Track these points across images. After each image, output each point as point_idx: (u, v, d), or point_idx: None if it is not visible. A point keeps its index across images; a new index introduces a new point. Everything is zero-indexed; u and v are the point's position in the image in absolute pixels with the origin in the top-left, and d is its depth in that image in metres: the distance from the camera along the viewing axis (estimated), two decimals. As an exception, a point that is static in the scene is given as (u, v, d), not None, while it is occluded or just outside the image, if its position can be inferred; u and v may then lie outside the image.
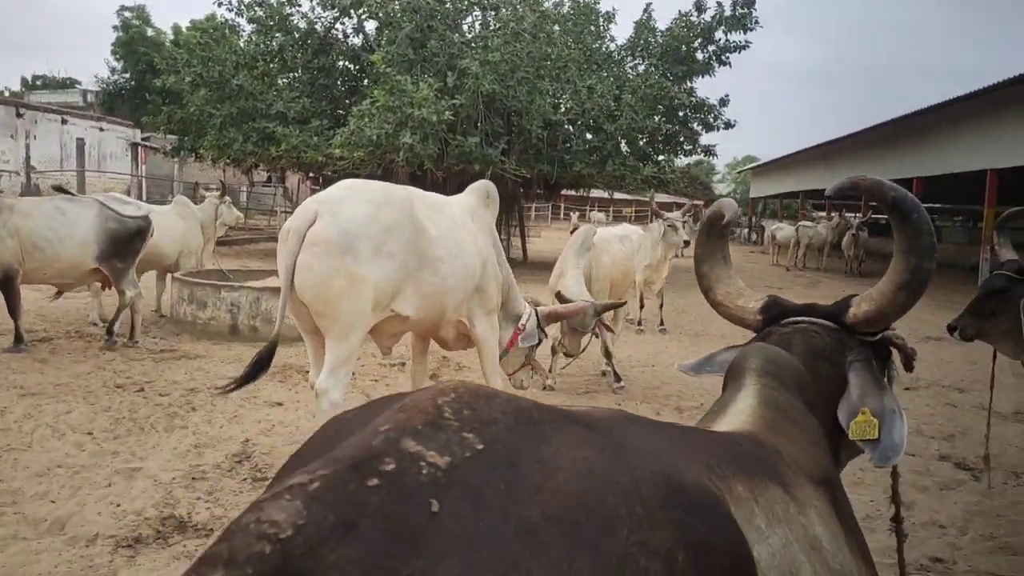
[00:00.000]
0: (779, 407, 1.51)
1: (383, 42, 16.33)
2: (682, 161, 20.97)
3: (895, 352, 1.91)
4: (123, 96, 39.93)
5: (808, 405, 1.61)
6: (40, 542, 3.25)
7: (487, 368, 4.85)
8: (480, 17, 18.53)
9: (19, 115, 28.69)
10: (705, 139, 19.96)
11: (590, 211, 47.02)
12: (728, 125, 19.70)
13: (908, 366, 1.95)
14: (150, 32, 40.46)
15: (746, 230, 39.64)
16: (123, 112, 37.49)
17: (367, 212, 3.84)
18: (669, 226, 9.24)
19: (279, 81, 18.31)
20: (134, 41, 39.25)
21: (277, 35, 17.39)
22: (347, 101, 17.85)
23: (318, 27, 17.79)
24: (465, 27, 18.02)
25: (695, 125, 19.72)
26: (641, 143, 18.60)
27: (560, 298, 5.83)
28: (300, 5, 18.07)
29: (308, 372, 6.56)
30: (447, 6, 16.66)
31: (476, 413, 0.87)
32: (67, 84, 44.72)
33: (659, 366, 8.01)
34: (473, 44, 16.27)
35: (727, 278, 2.12)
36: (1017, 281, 3.81)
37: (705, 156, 20.14)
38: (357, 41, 18.76)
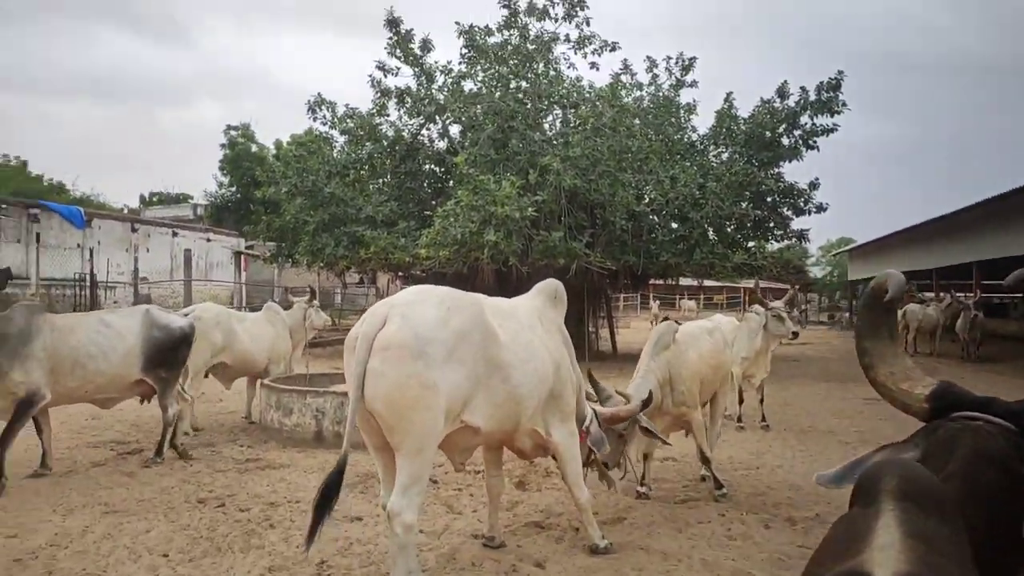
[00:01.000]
0: (929, 538, 1.27)
1: (466, 144, 16.76)
2: (774, 246, 20.30)
3: None
4: (229, 208, 42.52)
5: (952, 526, 1.34)
6: None
7: (570, 479, 4.57)
8: (560, 115, 18.86)
9: (134, 230, 30.84)
10: (797, 223, 19.33)
11: (679, 300, 46.32)
12: (820, 208, 19.07)
13: None
14: (254, 148, 43.27)
15: (847, 314, 38.05)
16: (229, 223, 39.79)
17: (438, 315, 3.68)
18: (774, 316, 8.74)
19: (369, 187, 18.99)
20: (239, 157, 42.02)
21: (367, 144, 18.15)
22: (433, 203, 18.30)
23: (405, 134, 18.49)
24: (546, 126, 18.35)
25: (785, 210, 19.19)
26: (729, 230, 18.19)
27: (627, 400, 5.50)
28: (388, 115, 18.91)
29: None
30: (528, 107, 17.01)
31: None
32: (180, 199, 48.09)
33: (764, 468, 7.40)
34: (554, 141, 16.50)
35: (892, 357, 1.87)
36: None
37: (798, 241, 19.43)
38: (442, 145, 19.38)
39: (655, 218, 17.53)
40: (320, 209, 17.30)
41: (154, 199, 50.92)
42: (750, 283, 16.47)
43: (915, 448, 1.65)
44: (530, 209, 14.02)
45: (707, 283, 51.34)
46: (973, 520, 1.43)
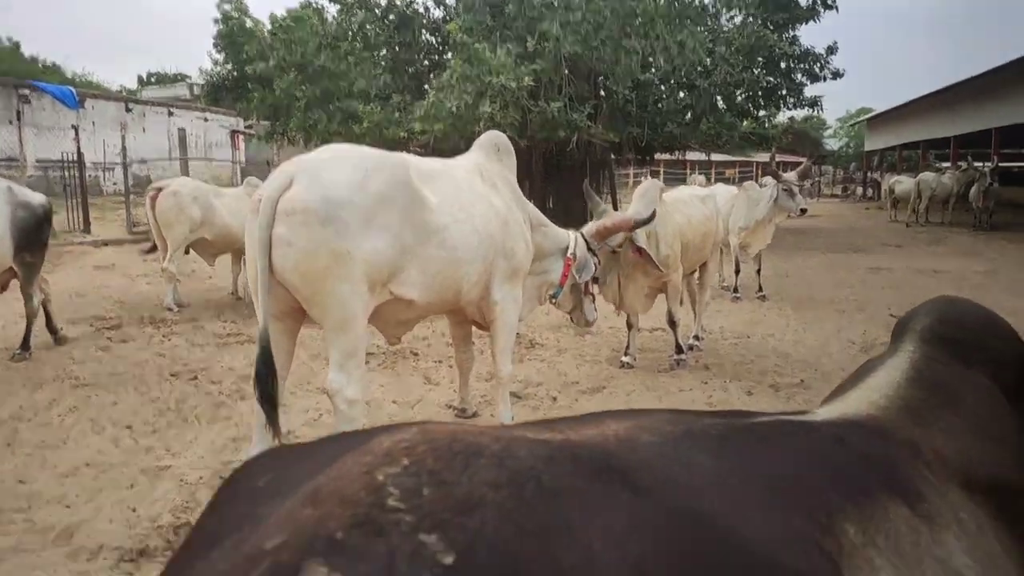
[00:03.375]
0: (937, 385, 1.07)
1: (460, 10, 15.84)
2: (785, 116, 19.49)
3: None
4: (226, 87, 41.19)
5: (990, 386, 1.12)
6: (40, 555, 2.98)
7: (498, 345, 4.34)
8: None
9: (128, 110, 30.12)
10: (811, 91, 18.47)
11: (689, 175, 45.38)
12: (836, 75, 18.14)
13: None
14: (248, 23, 41.50)
15: (860, 186, 37.26)
16: (227, 102, 38.61)
17: (353, 178, 3.25)
18: (784, 189, 8.30)
19: (363, 60, 18.13)
20: (233, 33, 40.27)
21: (358, 13, 17.20)
22: (431, 75, 17.51)
23: (397, 2, 17.48)
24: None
25: (799, 76, 18.28)
26: (739, 99, 17.40)
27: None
28: (381, -20, 17.81)
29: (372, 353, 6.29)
30: (526, -34, 15.92)
31: (445, 491, 0.54)
32: (177, 79, 46.66)
33: (755, 337, 7.25)
34: (554, 5, 15.52)
35: None
36: None
37: (811, 109, 18.62)
38: (439, 13, 18.35)
39: (662, 87, 16.77)
40: (311, 83, 16.59)
41: (151, 80, 49.56)
42: (764, 157, 15.87)
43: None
44: (527, 79, 13.32)
45: (718, 157, 50.36)
46: None
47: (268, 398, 3.23)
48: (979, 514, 0.95)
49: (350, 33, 17.41)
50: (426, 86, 16.24)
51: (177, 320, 7.50)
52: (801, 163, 11.62)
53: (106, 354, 6.07)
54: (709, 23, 17.34)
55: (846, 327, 7.66)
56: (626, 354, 6.12)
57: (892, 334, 1.22)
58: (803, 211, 8.54)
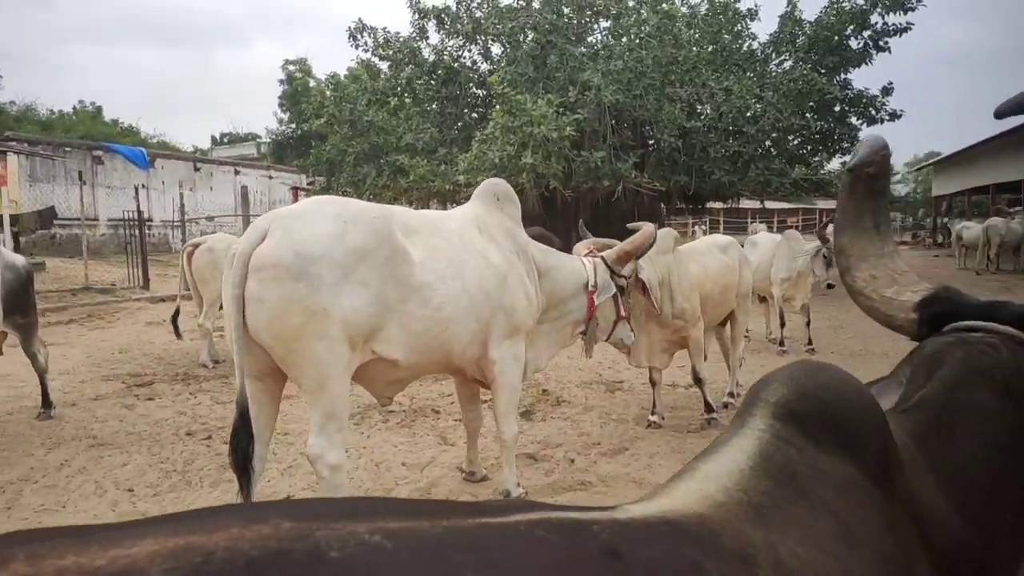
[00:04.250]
0: (788, 475, 0.87)
1: (503, 63, 16.04)
2: (840, 161, 18.94)
3: None
4: (291, 144, 42.73)
5: (860, 470, 0.92)
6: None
7: (500, 407, 4.07)
8: (604, 27, 17.82)
9: (196, 169, 31.37)
10: (868, 132, 17.97)
11: (751, 223, 44.48)
12: (894, 116, 17.65)
13: None
14: (312, 83, 43.12)
15: (929, 233, 36.08)
16: (290, 160, 40.03)
17: (330, 230, 3.11)
18: (824, 256, 7.93)
19: (410, 114, 18.53)
20: (297, 93, 41.98)
21: (406, 68, 17.61)
22: (478, 128, 17.74)
23: (445, 56, 17.85)
24: (590, 39, 17.38)
25: (855, 119, 17.85)
26: (792, 145, 17.04)
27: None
28: (428, 37, 18.24)
29: (382, 409, 6.15)
30: (568, 19, 16.10)
31: None
32: (247, 138, 48.65)
33: (798, 395, 6.85)
34: (596, 55, 15.59)
35: (877, 255, 1.39)
36: None
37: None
38: (485, 67, 18.65)
39: (710, 134, 16.57)
40: (360, 138, 16.97)
41: (224, 139, 51.69)
42: (830, 203, 15.35)
43: (899, 381, 1.22)
44: (569, 128, 13.32)
45: (778, 205, 49.34)
46: (945, 466, 1.01)
47: (242, 465, 3.10)
48: None
49: (399, 88, 17.81)
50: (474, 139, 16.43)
51: (209, 377, 7.53)
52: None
53: (130, 412, 6.10)
54: (758, 69, 17.16)
55: None
56: (653, 413, 5.84)
57: (743, 403, 1.01)
58: (830, 286, 8.16)
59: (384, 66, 19.12)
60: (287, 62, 43.48)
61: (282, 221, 3.13)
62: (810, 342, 8.99)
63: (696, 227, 34.14)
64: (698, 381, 5.77)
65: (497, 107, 14.04)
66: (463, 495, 4.37)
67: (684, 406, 6.41)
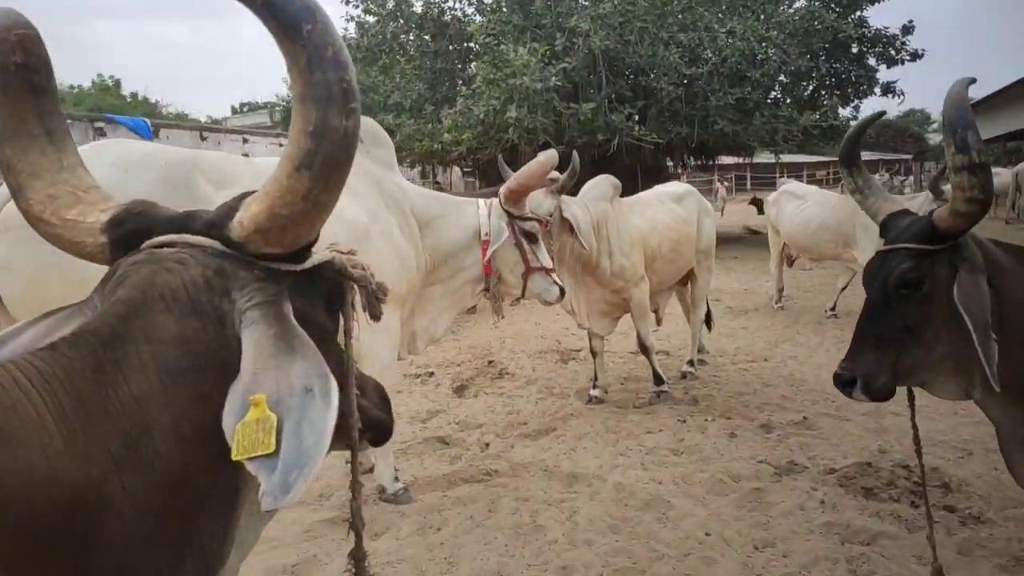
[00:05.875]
0: None
1: (487, 10, 15.14)
2: (855, 107, 17.70)
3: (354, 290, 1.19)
4: (298, 111, 42.05)
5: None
6: None
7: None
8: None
9: (203, 138, 30.95)
10: (888, 75, 16.81)
11: (779, 179, 42.75)
12: (915, 56, 16.48)
13: (372, 311, 1.24)
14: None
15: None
16: (303, 127, 39.33)
17: (105, 182, 2.50)
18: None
19: (400, 71, 17.70)
20: (307, 57, 41.17)
21: (390, 24, 16.77)
22: (468, 85, 16.91)
23: (434, 8, 16.95)
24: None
25: (873, 61, 16.67)
26: (806, 91, 15.97)
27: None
28: (415, -12, 17.34)
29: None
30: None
31: None
32: (266, 107, 48.18)
33: (773, 361, 6.12)
34: (584, 1, 14.59)
35: (55, 172, 1.11)
36: (929, 254, 1.89)
37: (884, 95, 16.88)
38: (479, 19, 17.73)
39: (714, 81, 15.53)
40: (346, 98, 16.25)
41: (243, 108, 51.29)
42: (865, 155, 14.26)
43: (85, 312, 1.03)
44: (554, 79, 12.44)
45: (806, 158, 47.47)
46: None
47: None
48: None
49: (386, 45, 17.00)
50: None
51: None
52: (898, 162, 9.93)
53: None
54: (768, 9, 16.01)
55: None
56: (594, 387, 5.15)
57: None
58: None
59: (372, 20, 18.29)
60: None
61: None
62: (835, 307, 7.95)
63: (720, 183, 32.60)
64: (644, 349, 5.06)
65: (480, 59, 13.19)
66: (341, 489, 3.74)
67: (640, 377, 5.70)
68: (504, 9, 14.51)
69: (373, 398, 1.38)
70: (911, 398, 2.11)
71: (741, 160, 24.35)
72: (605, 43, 12.88)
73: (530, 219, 3.79)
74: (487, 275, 3.76)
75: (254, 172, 3.08)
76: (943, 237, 1.86)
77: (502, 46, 12.86)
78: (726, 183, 35.02)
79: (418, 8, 17.28)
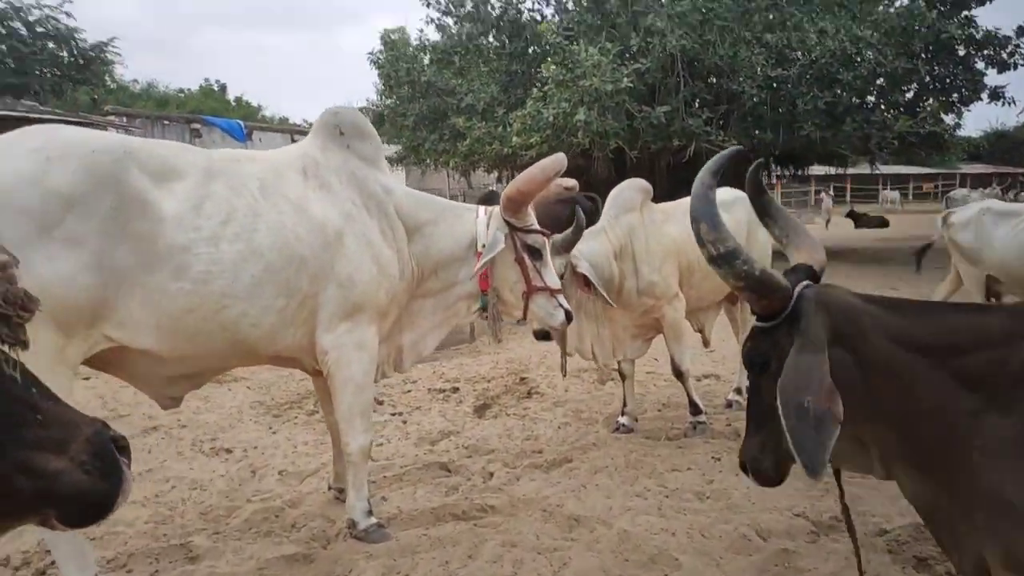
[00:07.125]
0: None
1: (563, 10, 14.71)
2: (948, 113, 16.29)
3: None
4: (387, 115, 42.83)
5: None
6: None
7: (340, 410, 3.07)
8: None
9: (293, 140, 31.75)
10: (997, 80, 15.44)
11: (882, 191, 40.36)
12: (1031, 59, 15.08)
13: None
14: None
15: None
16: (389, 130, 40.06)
17: (22, 169, 2.31)
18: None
19: (476, 73, 17.48)
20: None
21: (466, 25, 16.57)
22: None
23: (511, 9, 16.64)
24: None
25: (981, 65, 15.35)
26: (906, 97, 14.82)
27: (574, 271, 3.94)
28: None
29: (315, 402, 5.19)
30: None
31: None
32: (360, 111, 49.47)
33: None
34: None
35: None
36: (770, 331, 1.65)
37: (992, 102, 15.48)
38: (557, 20, 17.33)
39: (803, 83, 14.59)
40: (419, 100, 16.11)
41: (337, 112, 52.68)
42: (977, 167, 12.91)
43: None
44: (626, 80, 11.91)
45: (913, 170, 44.62)
46: None
47: None
48: None
49: (461, 48, 16.80)
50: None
51: None
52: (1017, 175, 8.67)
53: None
54: (862, 8, 14.97)
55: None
56: (622, 414, 4.65)
57: None
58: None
59: (450, 22, 18.16)
60: (387, 31, 43.37)
61: None
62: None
63: (823, 194, 30.61)
64: (679, 375, 4.52)
65: (549, 59, 12.79)
66: (316, 519, 3.40)
67: (680, 404, 5.13)
68: (577, 8, 14.02)
69: (79, 456, 1.01)
70: (838, 477, 1.82)
71: (835, 170, 22.99)
72: (682, 43, 12.23)
73: (534, 231, 3.35)
74: (483, 292, 3.35)
75: (208, 164, 2.78)
76: (776, 312, 1.62)
77: (573, 45, 12.42)
78: (830, 193, 32.91)
79: (497, 8, 17.04)
